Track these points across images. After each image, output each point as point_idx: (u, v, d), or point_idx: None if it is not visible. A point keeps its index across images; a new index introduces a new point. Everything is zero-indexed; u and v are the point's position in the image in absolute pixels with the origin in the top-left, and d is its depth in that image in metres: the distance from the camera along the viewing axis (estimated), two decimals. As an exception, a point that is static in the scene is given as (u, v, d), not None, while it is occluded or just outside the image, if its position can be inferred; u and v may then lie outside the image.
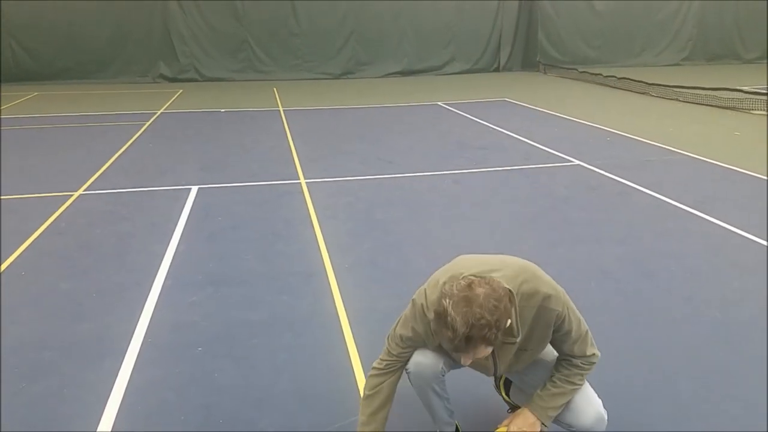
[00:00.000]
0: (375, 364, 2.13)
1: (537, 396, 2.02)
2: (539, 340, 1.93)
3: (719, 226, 4.85)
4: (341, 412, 2.64)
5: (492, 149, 7.68)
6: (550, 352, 2.15)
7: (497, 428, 2.05)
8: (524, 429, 1.99)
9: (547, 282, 1.88)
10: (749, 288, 3.78)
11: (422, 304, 1.92)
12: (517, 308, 1.79)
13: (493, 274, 1.76)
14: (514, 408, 2.50)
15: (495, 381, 2.55)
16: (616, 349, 3.00)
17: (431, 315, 1.85)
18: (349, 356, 3.06)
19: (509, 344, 1.89)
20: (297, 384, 2.86)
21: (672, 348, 3.12)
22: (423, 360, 2.00)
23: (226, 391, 2.81)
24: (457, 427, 2.30)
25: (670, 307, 3.56)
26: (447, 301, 1.64)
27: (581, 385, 2.02)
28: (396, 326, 2.06)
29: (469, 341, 1.63)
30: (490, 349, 1.72)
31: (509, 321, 1.71)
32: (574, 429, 2.05)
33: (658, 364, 2.97)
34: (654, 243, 4.55)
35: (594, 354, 2.02)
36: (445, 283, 1.74)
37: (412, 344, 2.02)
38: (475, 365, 2.04)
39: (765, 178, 6.14)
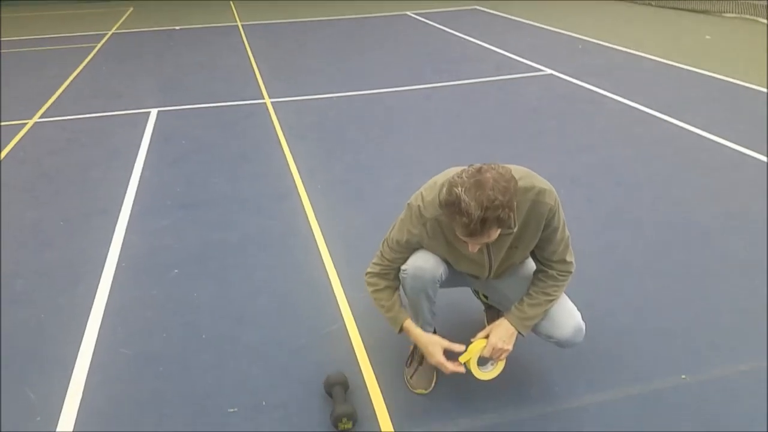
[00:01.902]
0: (369, 269, 2.15)
1: (515, 308, 2.07)
2: (530, 237, 1.96)
3: (687, 130, 4.92)
4: (321, 323, 2.69)
5: (463, 61, 7.55)
6: (530, 267, 2.20)
7: (475, 338, 2.10)
8: (503, 338, 2.04)
9: (540, 179, 1.91)
10: (714, 189, 3.88)
11: (419, 205, 1.92)
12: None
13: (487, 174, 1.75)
14: (489, 308, 2.59)
15: (474, 292, 2.61)
16: (585, 251, 3.07)
17: (430, 213, 1.87)
18: (327, 272, 3.09)
19: (506, 236, 1.92)
20: (276, 300, 2.89)
21: (637, 248, 3.22)
22: (423, 264, 2.01)
23: (205, 310, 2.83)
24: (434, 330, 2.36)
25: (637, 210, 3.65)
26: (459, 189, 1.64)
27: (557, 297, 2.06)
28: (391, 231, 2.06)
29: (484, 224, 1.64)
30: (498, 232, 1.74)
31: (515, 205, 1.73)
32: (553, 340, 2.12)
33: (624, 263, 3.07)
34: (623, 149, 4.61)
35: (571, 262, 2.05)
36: (446, 181, 1.73)
37: (406, 249, 2.03)
38: (470, 266, 2.07)
39: (733, 81, 6.20)
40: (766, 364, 2.34)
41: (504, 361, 2.11)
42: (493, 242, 1.88)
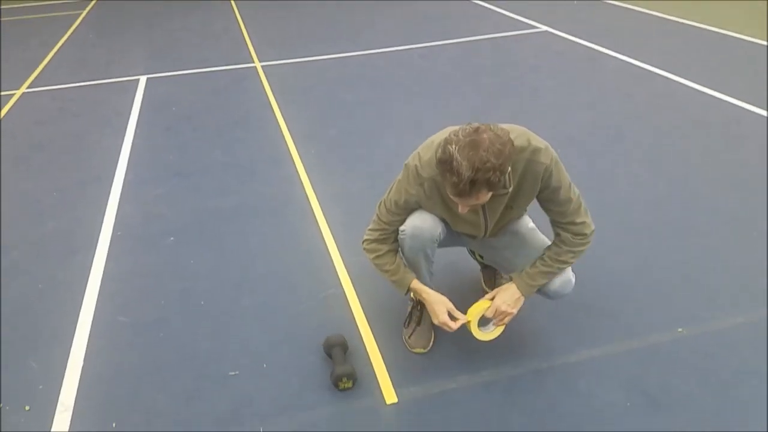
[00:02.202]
0: (366, 236, 2.13)
1: (525, 272, 2.05)
2: (526, 197, 1.94)
3: (685, 85, 4.87)
4: (319, 287, 2.69)
5: (459, 19, 7.43)
6: (526, 225, 2.19)
7: (480, 300, 2.11)
8: (508, 302, 2.04)
9: (537, 138, 1.88)
10: (713, 144, 3.87)
11: (416, 165, 1.89)
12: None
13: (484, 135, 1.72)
14: (485, 267, 2.60)
15: (470, 252, 2.62)
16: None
17: (427, 173, 1.84)
18: (323, 236, 3.08)
19: (501, 196, 1.90)
20: (273, 266, 2.89)
21: (635, 206, 3.22)
22: (421, 224, 2.00)
23: (202, 276, 2.83)
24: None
25: (634, 168, 3.63)
26: (453, 146, 1.61)
27: (571, 263, 2.03)
28: (388, 193, 2.04)
29: (473, 185, 1.62)
30: (489, 195, 1.72)
31: (509, 170, 1.70)
32: (540, 292, 2.12)
33: (621, 220, 3.07)
34: (621, 106, 4.57)
35: (583, 223, 1.97)
36: (444, 139, 1.70)
37: (404, 210, 2.01)
38: (466, 226, 2.06)
39: (732, 34, 6.12)
40: (762, 316, 2.37)
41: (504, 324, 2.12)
42: (489, 203, 1.86)
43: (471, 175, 1.59)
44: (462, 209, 1.78)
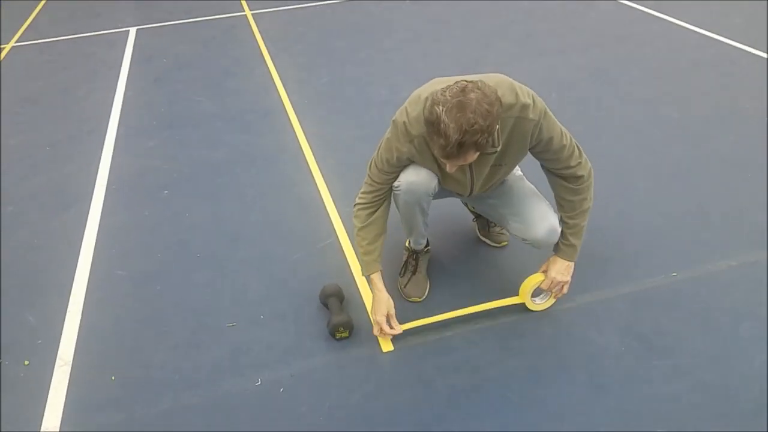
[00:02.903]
0: (359, 200, 2.08)
1: (561, 243, 2.09)
2: (515, 154, 1.91)
3: (680, 26, 4.77)
4: (315, 238, 2.69)
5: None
6: (514, 177, 2.19)
7: (532, 275, 2.15)
8: (561, 271, 2.09)
9: (526, 92, 1.82)
10: (708, 85, 3.81)
11: (404, 122, 1.84)
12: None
13: (471, 95, 1.67)
14: (478, 217, 2.60)
15: (463, 203, 2.61)
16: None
17: (417, 130, 1.81)
18: (317, 187, 3.06)
19: (489, 155, 1.88)
20: (268, 216, 2.88)
21: (631, 149, 3.19)
22: (416, 179, 1.97)
23: (198, 228, 2.82)
24: (427, 241, 2.37)
25: (630, 110, 3.59)
26: (440, 108, 1.57)
27: (588, 206, 2.03)
28: (378, 152, 1.99)
29: (461, 147, 1.59)
30: (477, 155, 1.70)
31: (497, 128, 1.67)
32: (527, 242, 2.12)
33: (616, 165, 3.04)
34: (616, 49, 4.48)
35: (580, 164, 1.95)
36: (430, 95, 1.65)
37: (397, 167, 1.97)
38: (453, 185, 2.05)
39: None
40: (755, 259, 2.37)
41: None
42: (476, 162, 1.84)
43: (459, 137, 1.56)
44: (450, 168, 1.76)
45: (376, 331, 2.11)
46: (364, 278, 2.22)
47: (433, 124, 1.59)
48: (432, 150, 1.72)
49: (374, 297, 2.11)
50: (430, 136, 1.64)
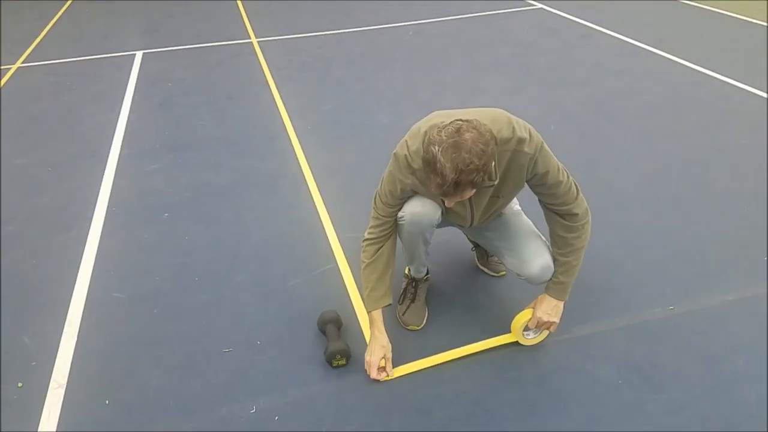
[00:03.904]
0: (367, 235, 2.10)
1: (551, 282, 2.08)
2: (512, 187, 1.93)
3: (678, 63, 4.84)
4: (314, 263, 2.70)
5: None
6: (512, 209, 2.22)
7: (524, 311, 2.15)
8: (547, 311, 2.08)
9: (522, 126, 1.85)
10: (704, 121, 3.85)
11: (405, 155, 1.87)
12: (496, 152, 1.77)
13: (466, 135, 1.70)
14: (477, 246, 2.61)
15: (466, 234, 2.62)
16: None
17: (418, 164, 1.82)
18: (317, 211, 3.08)
19: (487, 188, 1.90)
20: (268, 241, 2.89)
21: (628, 181, 3.21)
22: (420, 209, 1.99)
23: (197, 252, 2.83)
24: (427, 269, 2.38)
25: (627, 143, 3.62)
26: (436, 148, 1.60)
27: (582, 246, 2.02)
28: (381, 185, 2.01)
29: (457, 186, 1.62)
30: (473, 191, 1.72)
31: (493, 164, 1.70)
32: (522, 277, 2.13)
33: (614, 198, 3.07)
34: (614, 83, 4.54)
35: (576, 203, 1.95)
36: (428, 130, 1.68)
37: (401, 198, 1.99)
38: (453, 217, 2.07)
39: (723, 12, 6.06)
40: (752, 293, 2.38)
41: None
42: (475, 195, 1.86)
43: (455, 177, 1.59)
44: (449, 203, 1.79)
45: (369, 373, 2.09)
46: (363, 306, 2.22)
47: (429, 163, 1.63)
48: (429, 188, 1.74)
49: (373, 338, 2.11)
50: (427, 175, 1.67)
